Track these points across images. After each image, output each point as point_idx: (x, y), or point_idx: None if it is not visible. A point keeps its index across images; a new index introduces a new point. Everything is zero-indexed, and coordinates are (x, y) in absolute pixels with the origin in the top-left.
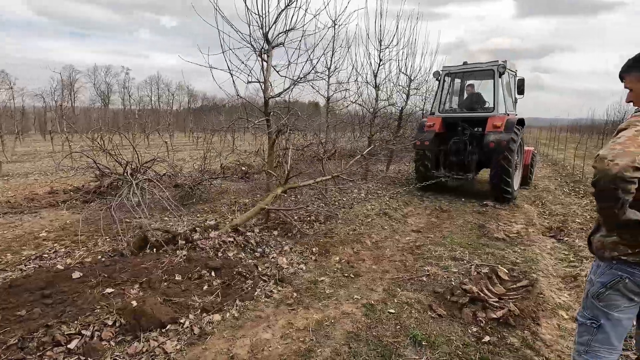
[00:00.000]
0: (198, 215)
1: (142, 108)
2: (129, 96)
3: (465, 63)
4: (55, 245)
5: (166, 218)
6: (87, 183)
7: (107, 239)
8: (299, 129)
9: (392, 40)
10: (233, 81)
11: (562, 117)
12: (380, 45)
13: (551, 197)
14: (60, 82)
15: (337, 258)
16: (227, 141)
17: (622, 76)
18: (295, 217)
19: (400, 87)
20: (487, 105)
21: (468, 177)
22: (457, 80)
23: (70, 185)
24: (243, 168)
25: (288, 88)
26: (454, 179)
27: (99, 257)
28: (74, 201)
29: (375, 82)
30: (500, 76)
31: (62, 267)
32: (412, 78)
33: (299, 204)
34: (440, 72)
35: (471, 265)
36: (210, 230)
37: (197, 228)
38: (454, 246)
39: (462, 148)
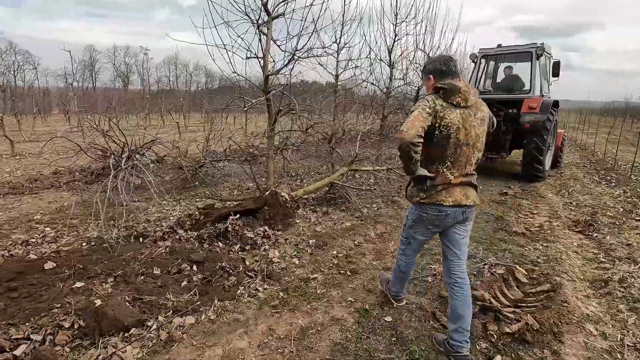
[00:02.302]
0: (197, 199)
1: (161, 89)
2: (148, 77)
3: (499, 46)
4: (46, 229)
5: (164, 202)
6: (93, 162)
7: (100, 224)
8: (304, 109)
9: (410, 13)
10: (229, 58)
11: (593, 100)
12: (396, 18)
13: (579, 186)
14: (81, 62)
15: (335, 252)
16: (239, 121)
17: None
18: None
19: (417, 65)
20: (523, 87)
21: (502, 156)
22: (491, 63)
23: (77, 166)
24: (250, 150)
25: (289, 62)
26: (488, 159)
27: (82, 244)
28: (76, 182)
29: (390, 60)
30: (537, 58)
31: (36, 257)
32: (431, 55)
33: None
34: (477, 54)
35: (485, 264)
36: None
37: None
38: None
39: (497, 128)
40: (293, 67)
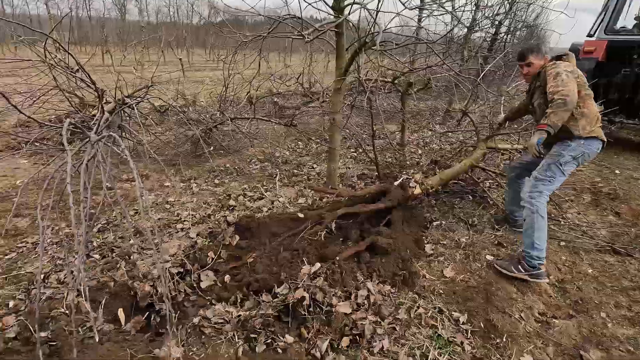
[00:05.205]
0: (216, 179)
1: (161, 21)
2: (147, 5)
3: None
4: None
5: (167, 183)
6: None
7: (56, 239)
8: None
9: None
10: None
11: None
12: None
13: None
14: None
15: (530, 357)
16: (249, 61)
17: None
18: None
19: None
20: None
21: None
22: None
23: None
24: (276, 100)
25: None
26: (621, 127)
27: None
28: (45, 142)
29: None
30: None
31: None
32: None
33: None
34: None
35: None
36: None
37: None
38: None
39: (635, 82)
40: None
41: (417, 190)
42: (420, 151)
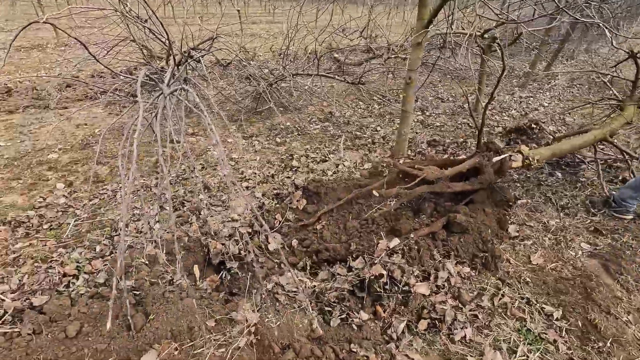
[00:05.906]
0: (277, 137)
1: None
2: None
3: None
4: (58, 184)
5: (230, 140)
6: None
7: (138, 200)
8: None
9: None
10: None
11: None
12: None
13: None
14: None
15: None
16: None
17: None
18: None
19: None
20: None
21: None
22: None
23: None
24: (336, 56)
25: None
26: None
27: (91, 247)
28: (117, 93)
29: None
30: None
31: None
32: None
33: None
34: None
35: None
36: None
37: None
38: None
39: None
40: None
41: (517, 164)
42: (497, 117)
